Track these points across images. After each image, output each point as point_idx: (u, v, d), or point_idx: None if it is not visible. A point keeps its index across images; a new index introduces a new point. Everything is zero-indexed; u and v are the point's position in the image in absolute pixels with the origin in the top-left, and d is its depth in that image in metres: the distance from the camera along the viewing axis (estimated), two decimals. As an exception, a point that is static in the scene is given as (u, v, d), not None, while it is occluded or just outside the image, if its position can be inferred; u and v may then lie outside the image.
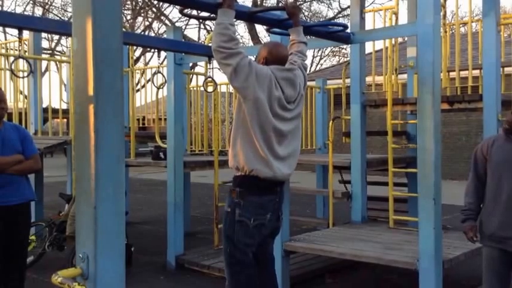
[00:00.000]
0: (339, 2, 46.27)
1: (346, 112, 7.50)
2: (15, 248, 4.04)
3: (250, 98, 3.18)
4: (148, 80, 8.30)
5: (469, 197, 3.66)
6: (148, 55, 25.91)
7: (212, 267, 5.90)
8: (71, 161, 8.26)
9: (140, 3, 25.31)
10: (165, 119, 7.31)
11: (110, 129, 1.87)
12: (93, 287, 1.84)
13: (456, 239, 5.05)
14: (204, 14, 3.77)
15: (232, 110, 8.32)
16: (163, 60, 6.53)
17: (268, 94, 3.22)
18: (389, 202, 5.95)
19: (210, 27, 23.57)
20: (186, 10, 4.00)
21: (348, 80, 6.91)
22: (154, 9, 25.13)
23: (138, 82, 11.01)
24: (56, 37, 25.63)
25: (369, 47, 24.98)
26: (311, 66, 31.88)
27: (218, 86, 6.88)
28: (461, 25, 8.30)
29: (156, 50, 5.28)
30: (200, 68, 20.01)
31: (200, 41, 24.59)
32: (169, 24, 23.51)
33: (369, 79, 7.11)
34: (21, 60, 6.89)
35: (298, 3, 23.56)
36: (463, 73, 6.45)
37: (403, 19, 8.89)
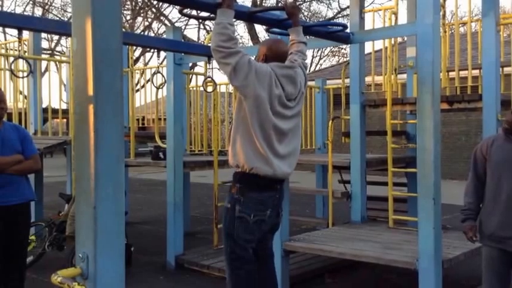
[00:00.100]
0: (339, 2, 46.38)
1: (346, 112, 7.50)
2: (15, 248, 4.04)
3: (250, 96, 3.19)
4: (148, 80, 8.30)
5: (468, 196, 3.66)
6: (148, 55, 25.94)
7: (212, 267, 5.90)
8: (71, 161, 8.26)
9: (140, 4, 25.30)
10: (165, 119, 7.31)
11: (109, 129, 1.87)
12: (93, 286, 1.84)
13: (456, 238, 5.05)
14: (204, 14, 3.77)
15: (232, 110, 8.31)
16: (163, 60, 6.54)
17: (269, 92, 3.22)
18: (388, 202, 5.96)
19: (210, 28, 23.58)
20: (185, 10, 4.01)
21: (347, 80, 6.91)
22: (153, 10, 25.14)
23: (138, 82, 10.99)
24: (55, 37, 25.64)
25: (368, 47, 24.89)
26: (310, 66, 31.86)
27: (218, 86, 6.88)
28: (460, 25, 8.31)
29: (155, 50, 5.27)
30: (200, 68, 20.04)
31: (200, 41, 24.60)
32: (169, 25, 23.50)
33: (368, 79, 7.12)
34: (20, 61, 6.89)
35: (297, 3, 23.56)
36: (463, 73, 6.45)
37: (403, 19, 8.91)
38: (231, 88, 8.67)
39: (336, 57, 34.12)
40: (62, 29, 4.26)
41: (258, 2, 23.79)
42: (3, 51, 8.64)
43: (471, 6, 6.71)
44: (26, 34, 7.30)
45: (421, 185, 4.24)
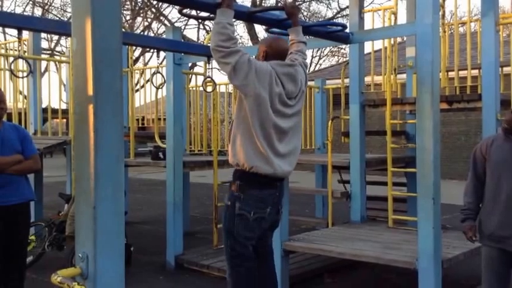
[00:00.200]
0: (338, 2, 46.16)
1: (345, 112, 7.50)
2: (15, 247, 4.04)
3: (251, 95, 3.19)
4: (148, 80, 8.30)
5: (468, 196, 3.66)
6: (147, 55, 25.95)
7: (211, 266, 5.90)
8: (71, 161, 8.27)
9: (139, 4, 25.30)
10: (165, 119, 7.31)
11: (109, 129, 1.87)
12: (93, 286, 1.84)
13: (455, 238, 5.05)
14: (203, 14, 3.78)
15: (231, 110, 8.31)
16: (163, 60, 6.54)
17: (269, 91, 3.23)
18: (388, 202, 5.96)
19: (209, 28, 23.57)
20: (185, 10, 4.01)
21: (347, 80, 6.91)
22: (153, 10, 25.13)
23: (138, 82, 10.99)
24: (55, 37, 25.64)
25: (368, 47, 24.90)
26: (310, 66, 31.84)
27: (217, 86, 6.88)
28: (460, 25, 8.31)
29: (155, 50, 5.27)
30: (199, 68, 20.02)
31: (199, 41, 24.59)
32: (169, 25, 23.50)
33: (368, 79, 7.12)
34: (20, 61, 6.89)
35: (297, 3, 23.57)
36: (462, 73, 6.45)
37: (402, 19, 8.89)
38: (230, 88, 8.67)
39: (336, 57, 34.16)
40: (61, 29, 4.26)
41: (258, 2, 23.78)
42: (3, 51, 8.64)
43: (470, 6, 6.72)
44: (25, 34, 7.30)
45: (421, 185, 4.25)
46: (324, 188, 7.72)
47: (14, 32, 3.71)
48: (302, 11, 25.63)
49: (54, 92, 16.76)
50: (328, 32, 4.50)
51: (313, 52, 32.99)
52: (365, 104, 6.35)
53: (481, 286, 3.67)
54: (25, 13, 23.84)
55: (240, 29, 32.27)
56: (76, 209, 1.95)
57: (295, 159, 3.50)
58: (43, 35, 13.41)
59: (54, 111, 8.08)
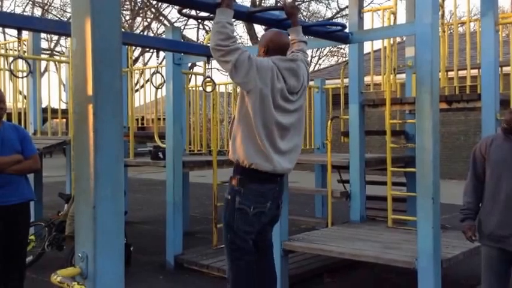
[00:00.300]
0: (338, 2, 46.22)
1: (345, 112, 7.50)
2: (14, 247, 4.05)
3: (252, 92, 3.20)
4: (147, 80, 8.31)
5: (467, 196, 3.67)
6: (147, 55, 25.94)
7: (211, 266, 5.90)
8: (70, 161, 8.27)
9: (139, 4, 25.29)
10: (164, 119, 7.31)
11: (108, 129, 1.87)
12: (92, 286, 1.84)
13: (455, 238, 5.05)
14: (203, 14, 3.78)
15: (231, 110, 8.31)
16: (162, 60, 6.54)
17: (271, 87, 3.23)
18: (388, 201, 5.96)
19: (209, 28, 23.56)
20: (184, 10, 4.01)
21: (346, 80, 6.91)
22: (153, 10, 25.11)
23: (137, 82, 11.00)
24: (55, 37, 25.60)
25: (367, 47, 24.90)
26: (309, 66, 31.81)
27: (217, 86, 6.88)
28: (459, 25, 8.31)
29: (154, 50, 5.28)
30: (199, 68, 20.02)
31: (199, 41, 24.59)
32: (168, 25, 23.49)
33: (367, 79, 7.12)
34: (20, 61, 6.88)
35: (296, 3, 23.57)
36: (462, 73, 6.45)
37: (402, 19, 8.88)
38: (230, 88, 8.68)
39: (335, 57, 34.13)
40: (61, 29, 4.26)
41: (257, 2, 23.78)
42: (2, 51, 8.64)
43: (470, 6, 6.71)
44: (25, 34, 7.27)
45: (420, 185, 4.25)
46: (324, 188, 7.72)
47: (14, 32, 3.72)
48: (301, 11, 25.63)
49: (53, 92, 16.73)
50: (328, 32, 4.51)
51: (312, 52, 32.96)
52: (364, 103, 6.36)
53: (480, 286, 3.67)
54: (25, 13, 23.83)
55: (240, 29, 32.24)
56: (76, 208, 1.95)
57: (295, 156, 3.50)
58: (43, 35, 13.41)
59: (54, 111, 8.08)
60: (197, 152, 8.55)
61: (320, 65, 34.07)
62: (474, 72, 6.45)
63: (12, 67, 5.55)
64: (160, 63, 6.80)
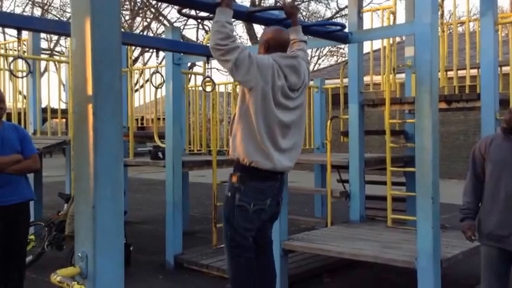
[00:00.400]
0: (337, 1, 46.11)
1: (344, 111, 7.51)
2: (14, 247, 4.05)
3: (254, 89, 3.21)
4: (147, 80, 8.30)
5: (467, 196, 3.67)
6: (146, 55, 25.93)
7: (211, 266, 5.90)
8: (70, 161, 8.27)
9: (139, 4, 25.29)
10: (164, 119, 7.31)
11: (108, 129, 1.88)
12: (92, 286, 1.84)
13: (454, 237, 5.05)
14: (203, 14, 3.78)
15: (231, 110, 8.31)
16: (162, 60, 6.54)
17: (272, 84, 3.24)
18: (387, 201, 5.96)
19: (209, 28, 23.55)
20: (184, 10, 4.02)
21: (345, 80, 6.91)
22: (152, 10, 25.11)
23: (137, 82, 11.00)
24: (54, 37, 25.60)
25: (366, 47, 24.86)
26: (309, 65, 31.82)
27: (216, 86, 6.88)
28: (458, 24, 8.31)
29: (154, 50, 5.28)
30: (199, 68, 20.00)
31: (198, 41, 24.58)
32: (168, 25, 23.49)
33: (366, 78, 7.12)
34: (20, 61, 6.86)
35: (296, 2, 23.57)
36: (461, 72, 6.45)
37: (401, 19, 8.88)
38: (229, 88, 8.67)
39: (335, 56, 34.12)
40: (61, 29, 4.26)
41: (257, 2, 23.78)
42: (2, 51, 8.63)
43: (469, 5, 6.71)
44: (25, 34, 7.31)
45: (420, 184, 4.25)
46: (323, 188, 7.72)
47: (14, 32, 3.72)
48: (301, 10, 25.63)
49: (53, 92, 16.67)
50: (327, 31, 4.51)
51: (312, 52, 32.96)
52: (364, 103, 6.36)
53: (480, 285, 3.67)
54: (24, 13, 23.83)
55: (239, 29, 32.23)
56: (75, 208, 1.95)
57: (296, 154, 3.51)
58: (42, 35, 13.41)
59: (54, 111, 8.08)
60: (197, 151, 8.55)
61: (319, 64, 34.08)
62: (474, 72, 6.45)
63: (12, 67, 5.55)
64: (160, 63, 6.82)
